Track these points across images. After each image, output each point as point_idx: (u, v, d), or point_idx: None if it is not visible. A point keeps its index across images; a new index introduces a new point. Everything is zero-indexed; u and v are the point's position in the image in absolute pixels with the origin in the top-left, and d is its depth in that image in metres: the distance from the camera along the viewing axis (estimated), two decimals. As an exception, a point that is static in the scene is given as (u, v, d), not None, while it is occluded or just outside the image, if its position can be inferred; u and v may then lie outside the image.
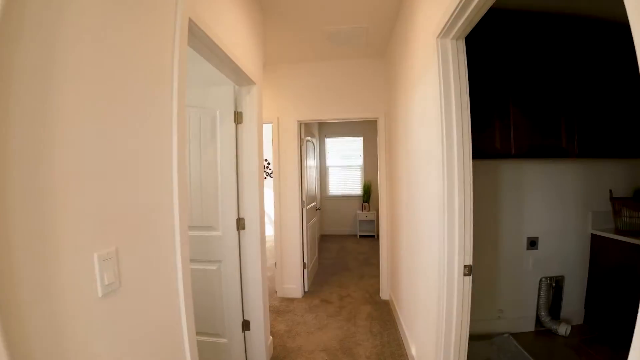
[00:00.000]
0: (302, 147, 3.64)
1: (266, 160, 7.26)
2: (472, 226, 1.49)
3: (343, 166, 7.21)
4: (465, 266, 1.51)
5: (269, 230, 7.34)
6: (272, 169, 3.60)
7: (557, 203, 2.77)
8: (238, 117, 2.23)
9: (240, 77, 2.13)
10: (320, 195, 7.01)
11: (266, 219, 7.51)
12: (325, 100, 3.51)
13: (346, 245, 6.06)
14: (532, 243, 2.84)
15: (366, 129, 6.98)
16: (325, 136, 7.13)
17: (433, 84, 1.62)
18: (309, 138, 4.00)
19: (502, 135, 2.25)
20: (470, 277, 1.54)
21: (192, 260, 2.44)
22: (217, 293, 2.28)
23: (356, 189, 7.13)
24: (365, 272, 4.39)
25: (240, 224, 2.24)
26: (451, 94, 1.50)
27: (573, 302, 2.92)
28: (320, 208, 4.60)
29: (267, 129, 5.67)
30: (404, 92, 2.49)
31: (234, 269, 2.23)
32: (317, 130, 6.85)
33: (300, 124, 3.60)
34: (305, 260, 3.65)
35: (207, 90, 2.27)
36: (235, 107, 2.24)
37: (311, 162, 4.31)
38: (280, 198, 3.56)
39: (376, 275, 4.03)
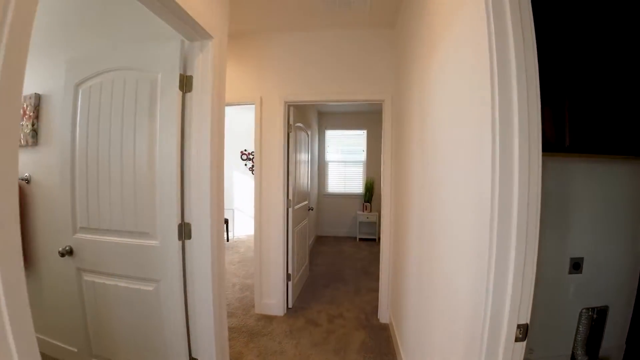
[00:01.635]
0: (291, 134, 3.01)
1: (252, 154, 6.67)
2: (535, 259, 0.86)
3: (344, 162, 6.58)
4: (519, 326, 0.88)
5: (249, 229, 6.80)
6: (254, 161, 2.98)
7: (610, 214, 2.12)
8: (186, 83, 1.61)
9: (190, 28, 1.52)
10: (318, 193, 6.39)
11: (245, 216, 6.90)
12: (318, 78, 2.88)
13: (344, 250, 5.43)
14: (576, 266, 2.18)
15: (370, 122, 6.33)
16: (326, 128, 6.50)
17: (473, 29, 0.99)
18: (300, 125, 3.37)
19: (555, 118, 1.60)
20: (524, 342, 0.92)
21: (122, 277, 1.84)
22: (156, 323, 1.68)
23: (357, 187, 6.50)
24: (363, 284, 3.76)
25: (185, 232, 1.63)
26: (508, 41, 0.87)
27: (613, 337, 2.30)
28: (312, 208, 3.96)
29: (249, 112, 5.03)
30: (420, 62, 1.86)
31: (176, 292, 1.62)
32: (317, 122, 6.22)
33: (289, 106, 2.97)
34: (290, 271, 3.03)
35: (144, 47, 1.66)
36: (184, 69, 1.63)
37: (304, 155, 3.68)
38: (262, 196, 2.94)
39: (375, 289, 3.41)
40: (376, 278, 3.72)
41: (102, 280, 1.75)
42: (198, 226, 1.63)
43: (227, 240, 6.03)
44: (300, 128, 3.38)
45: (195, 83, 1.61)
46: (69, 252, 1.80)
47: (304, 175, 3.71)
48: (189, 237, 1.63)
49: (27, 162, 2.09)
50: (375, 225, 6.03)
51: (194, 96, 1.61)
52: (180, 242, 1.61)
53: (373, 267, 4.36)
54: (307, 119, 4.52)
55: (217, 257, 1.69)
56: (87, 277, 1.79)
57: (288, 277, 3.01)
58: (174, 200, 1.58)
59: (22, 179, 2.14)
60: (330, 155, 6.59)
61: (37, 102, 2.03)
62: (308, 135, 3.99)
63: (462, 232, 1.12)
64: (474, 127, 1.01)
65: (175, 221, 1.58)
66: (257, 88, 2.95)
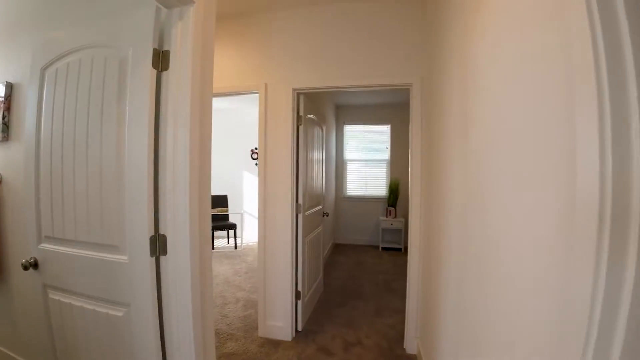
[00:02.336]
0: (301, 127, 2.65)
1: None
2: None
3: (365, 160, 6.14)
4: None
5: (253, 235, 6.51)
6: (258, 159, 2.65)
7: None
8: (162, 59, 1.29)
9: (165, -11, 1.20)
10: (335, 196, 5.99)
11: (256, 221, 6.48)
12: (332, 61, 2.51)
13: (364, 260, 5.00)
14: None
15: (395, 115, 5.86)
16: (344, 123, 6.08)
17: None
18: (312, 117, 3.00)
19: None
20: None
21: (89, 297, 1.52)
22: (127, 355, 1.36)
23: (380, 189, 6.04)
24: (385, 302, 3.33)
25: (159, 246, 1.30)
26: None
27: None
28: (327, 214, 3.58)
29: (252, 102, 4.65)
30: (464, 27, 1.45)
31: (149, 321, 1.29)
32: (334, 116, 5.83)
33: (298, 94, 2.61)
34: (300, 288, 2.66)
35: (113, 18, 1.36)
36: (160, 43, 1.30)
37: (317, 153, 3.31)
38: (266, 201, 2.60)
39: (400, 310, 2.98)
40: (401, 296, 3.29)
41: (68, 300, 1.46)
42: (175, 239, 1.29)
43: (235, 247, 5.73)
44: (312, 121, 3.02)
45: (173, 59, 1.28)
46: (33, 265, 1.52)
47: (318, 176, 3.34)
48: (164, 253, 1.30)
49: (3, 160, 1.85)
50: (401, 233, 5.55)
51: (170, 76, 1.28)
52: (153, 258, 1.28)
53: (398, 283, 3.91)
54: (322, 113, 4.13)
55: (199, 278, 1.35)
56: (53, 295, 1.51)
57: (297, 295, 2.65)
58: (144, 207, 1.25)
59: None
60: (349, 153, 6.16)
61: (9, 91, 1.79)
62: (323, 131, 3.61)
63: (532, 256, 0.70)
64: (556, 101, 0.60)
65: (146, 233, 1.25)
66: (261, 74, 2.62)
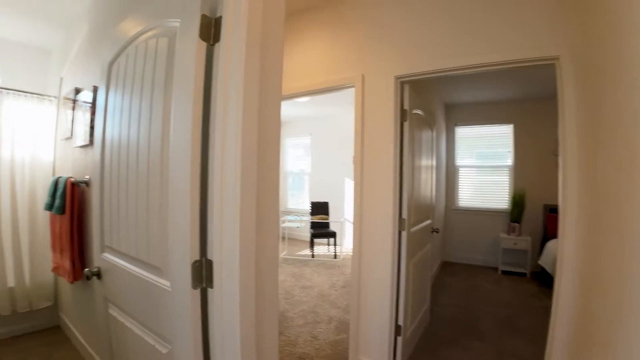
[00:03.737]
0: (405, 124, 2.14)
1: None
2: None
3: (480, 167, 5.19)
4: None
5: (347, 243, 6.00)
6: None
7: None
8: (214, 28, 0.98)
9: None
10: (445, 207, 5.19)
11: (351, 227, 5.99)
12: (443, 36, 1.94)
13: (479, 285, 4.12)
14: None
15: (519, 113, 4.80)
16: (455, 124, 5.24)
17: None
18: (419, 112, 2.45)
19: None
20: None
21: (139, 323, 1.26)
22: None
23: (500, 201, 5.00)
24: (509, 346, 2.54)
25: (204, 274, 0.99)
26: None
27: None
28: (438, 230, 2.93)
29: (347, 98, 4.34)
30: None
31: (192, 367, 0.99)
32: (443, 116, 5.06)
33: (402, 83, 2.11)
34: (401, 321, 2.14)
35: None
36: (211, 7, 1.00)
37: (427, 157, 2.73)
38: (362, 214, 2.16)
39: (533, 365, 2.20)
40: (531, 339, 2.49)
41: (122, 319, 1.29)
42: (222, 267, 0.96)
43: (335, 256, 5.43)
44: (419, 118, 2.45)
45: (225, 27, 0.96)
46: (96, 275, 1.40)
47: (427, 185, 2.74)
48: (210, 284, 0.98)
49: (89, 163, 1.86)
50: (527, 255, 4.44)
51: (221, 49, 0.96)
52: (197, 290, 0.97)
53: (525, 320, 3.01)
54: (430, 112, 3.49)
55: (253, 322, 0.99)
56: (112, 311, 1.37)
57: (397, 330, 2.13)
58: (184, 223, 0.95)
59: (83, 182, 1.93)
60: (461, 159, 5.28)
61: (95, 95, 1.77)
62: (432, 131, 3.00)
63: None
64: None
65: (187, 257, 0.95)
66: (356, 64, 2.21)
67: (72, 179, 2.04)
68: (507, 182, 4.94)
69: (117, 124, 1.29)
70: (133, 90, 1.20)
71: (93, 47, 2.10)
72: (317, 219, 5.61)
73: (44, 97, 2.74)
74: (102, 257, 1.38)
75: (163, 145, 1.04)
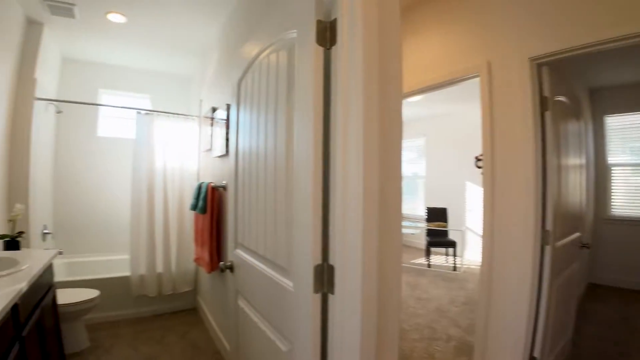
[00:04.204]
0: (547, 115, 1.80)
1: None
2: None
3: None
4: None
5: (476, 256, 5.12)
6: (482, 166, 2.03)
7: None
8: (330, 31, 0.98)
9: None
10: (594, 216, 4.24)
11: (473, 237, 5.38)
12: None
13: (633, 315, 3.21)
14: None
15: None
16: (604, 113, 4.21)
17: None
18: (562, 99, 2.03)
19: None
20: None
21: (263, 317, 1.36)
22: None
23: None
24: None
25: (325, 279, 0.98)
26: None
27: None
28: (588, 244, 2.38)
29: (473, 101, 3.97)
30: None
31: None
32: (587, 104, 4.14)
33: (539, 66, 1.78)
34: (537, 353, 1.79)
35: (282, 7, 1.18)
36: (325, 12, 1.00)
37: (574, 155, 2.24)
38: (494, 223, 1.90)
39: None
40: None
41: (249, 312, 1.41)
42: (344, 274, 0.94)
43: (454, 269, 4.98)
44: (564, 106, 2.03)
45: (341, 28, 0.94)
46: (230, 268, 1.57)
47: (575, 190, 2.24)
48: (331, 290, 0.98)
49: (225, 171, 2.12)
50: None
51: (339, 52, 0.95)
52: (318, 295, 0.98)
53: None
54: (574, 99, 2.86)
55: (374, 335, 0.94)
56: (240, 302, 1.52)
57: (532, 362, 1.79)
58: (307, 227, 0.97)
59: (221, 187, 2.20)
60: (614, 155, 4.23)
61: (228, 111, 2.01)
62: (579, 122, 2.47)
63: None
64: None
65: (309, 260, 0.97)
66: (480, 51, 1.96)
67: (212, 184, 2.37)
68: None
69: (247, 135, 1.42)
70: (260, 103, 1.31)
71: (223, 70, 2.41)
72: (434, 226, 5.23)
73: (188, 116, 3.29)
74: (234, 253, 1.54)
75: (287, 153, 1.09)
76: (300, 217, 1.01)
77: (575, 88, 3.29)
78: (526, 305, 1.75)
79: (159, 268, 3.11)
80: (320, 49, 0.97)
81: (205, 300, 3.00)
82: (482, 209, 1.93)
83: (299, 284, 1.03)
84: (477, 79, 1.98)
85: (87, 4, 2.37)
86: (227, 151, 2.06)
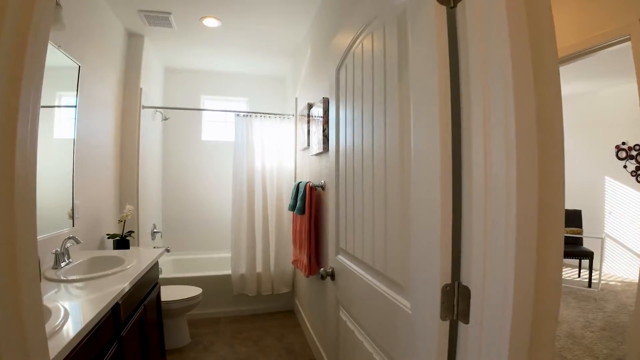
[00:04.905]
0: None
1: (637, 148, 4.15)
2: None
3: None
4: None
5: (629, 272, 4.02)
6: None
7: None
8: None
9: None
10: None
11: (623, 250, 4.16)
12: None
13: None
14: None
15: None
16: None
17: None
18: None
19: None
20: None
21: (370, 336, 1.19)
22: None
23: None
24: None
25: (457, 303, 0.76)
26: None
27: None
28: None
29: (611, 74, 3.41)
30: None
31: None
32: None
33: None
34: None
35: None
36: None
37: None
38: None
39: None
40: None
41: (352, 327, 1.26)
42: (485, 298, 0.71)
43: (589, 285, 4.06)
44: None
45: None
46: (330, 275, 1.45)
47: None
48: (465, 318, 0.75)
49: (324, 169, 2.03)
50: None
51: (469, 9, 0.72)
52: (446, 322, 0.77)
53: None
54: None
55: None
56: (342, 315, 1.38)
57: None
58: (433, 238, 0.77)
59: (319, 186, 2.12)
60: None
61: (326, 106, 1.91)
62: None
63: None
64: None
65: (435, 278, 0.77)
66: (625, 4, 1.46)
67: (310, 184, 2.32)
68: None
69: (349, 130, 1.29)
70: (364, 92, 1.15)
71: (318, 64, 2.33)
72: (566, 232, 4.33)
73: (284, 116, 3.34)
74: (336, 259, 1.42)
75: (402, 146, 0.91)
76: (421, 225, 0.81)
77: None
78: None
79: (259, 268, 3.21)
80: (443, 8, 0.76)
81: (303, 304, 2.99)
82: None
83: (419, 306, 0.84)
84: (627, 44, 1.49)
85: (182, 11, 2.54)
86: (325, 148, 1.97)
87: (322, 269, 1.46)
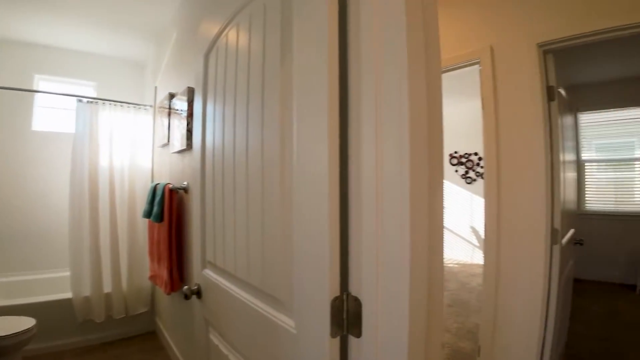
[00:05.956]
0: (552, 106, 1.66)
1: (466, 156, 5.30)
2: None
3: (611, 161, 4.24)
4: None
5: (461, 255, 5.36)
6: (483, 164, 1.84)
7: None
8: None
9: None
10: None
11: (456, 238, 5.43)
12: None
13: (619, 309, 3.29)
14: None
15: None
16: (579, 109, 4.31)
17: None
18: (561, 90, 1.93)
19: None
20: None
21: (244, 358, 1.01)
22: None
23: (637, 202, 4.03)
24: None
25: (347, 317, 0.69)
26: None
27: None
28: (582, 241, 2.31)
29: (458, 106, 4.03)
30: None
31: None
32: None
33: (545, 53, 1.64)
34: (545, 359, 1.66)
35: None
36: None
37: (569, 152, 2.18)
38: (500, 225, 1.74)
39: None
40: None
41: (226, 352, 1.08)
42: (378, 309, 0.65)
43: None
44: (562, 99, 1.92)
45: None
46: (196, 293, 1.23)
47: (570, 186, 2.18)
48: (356, 332, 0.69)
49: (187, 169, 1.75)
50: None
51: (362, 8, 0.66)
52: (336, 340, 0.68)
53: None
54: (567, 92, 2.80)
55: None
56: (213, 337, 1.18)
57: (544, 374, 1.64)
58: (320, 246, 0.68)
59: (181, 188, 1.83)
60: (587, 152, 4.38)
61: (191, 96, 1.65)
62: (574, 117, 2.41)
63: None
64: None
65: (324, 291, 0.68)
66: (483, 34, 1.80)
67: (170, 185, 1.97)
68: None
69: (218, 123, 1.10)
70: (237, 81, 0.99)
71: (184, 49, 2.03)
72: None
73: (140, 106, 2.83)
74: (203, 274, 1.20)
75: (283, 143, 0.79)
76: (304, 232, 0.71)
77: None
78: (539, 308, 1.60)
79: (107, 287, 2.63)
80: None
81: (166, 324, 2.57)
82: (485, 208, 1.76)
83: (304, 325, 0.73)
84: (477, 67, 1.81)
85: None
86: (189, 144, 1.70)
87: (185, 286, 1.22)
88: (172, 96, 2.23)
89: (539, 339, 1.59)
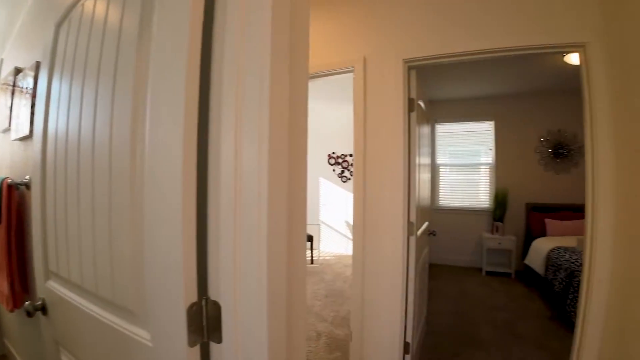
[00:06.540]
0: (412, 116, 1.90)
1: (342, 157, 5.70)
2: None
3: (460, 165, 5.11)
4: None
5: (338, 248, 5.83)
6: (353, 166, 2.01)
7: None
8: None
9: None
10: (429, 207, 5.10)
11: (333, 232, 5.85)
12: (457, 17, 1.73)
13: (468, 289, 4.00)
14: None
15: (500, 109, 4.76)
16: (436, 120, 5.10)
17: None
18: (421, 104, 2.23)
19: None
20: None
21: None
22: None
23: (480, 199, 4.97)
24: (516, 354, 2.40)
25: (207, 323, 0.66)
26: None
27: None
28: (435, 232, 2.73)
29: (338, 110, 4.24)
30: None
31: None
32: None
33: (409, 68, 1.87)
34: (409, 338, 1.91)
35: None
36: None
37: (424, 156, 2.52)
38: (365, 219, 1.92)
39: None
40: (538, 346, 2.38)
41: (80, 378, 0.93)
42: (238, 313, 0.64)
43: (312, 262, 5.13)
44: (421, 110, 2.23)
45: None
46: (41, 309, 1.03)
47: (425, 185, 2.54)
48: (217, 337, 0.66)
49: (28, 161, 1.45)
50: (511, 255, 4.41)
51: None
52: (196, 349, 0.65)
53: (525, 325, 2.90)
54: (426, 105, 3.28)
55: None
56: (65, 359, 1.00)
57: (405, 348, 1.89)
58: (174, 250, 0.63)
59: (23, 184, 1.52)
60: (442, 156, 5.18)
61: (37, 72, 1.37)
62: (430, 126, 2.81)
63: None
64: None
65: (179, 298, 0.63)
66: (357, 45, 1.95)
67: (9, 180, 1.60)
68: (488, 181, 4.96)
69: (63, 107, 0.92)
70: (88, 58, 0.85)
71: (40, 17, 1.67)
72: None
73: (-27, 79, 2.22)
74: (47, 287, 1.01)
75: (134, 134, 0.71)
76: (157, 234, 0.66)
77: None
78: (399, 293, 1.82)
79: None
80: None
81: (17, 345, 2.10)
82: (354, 205, 1.92)
83: (161, 336, 0.68)
84: (352, 75, 1.96)
85: None
86: (31, 130, 1.40)
87: (27, 302, 1.01)
88: (18, 71, 1.81)
89: (401, 319, 1.83)
